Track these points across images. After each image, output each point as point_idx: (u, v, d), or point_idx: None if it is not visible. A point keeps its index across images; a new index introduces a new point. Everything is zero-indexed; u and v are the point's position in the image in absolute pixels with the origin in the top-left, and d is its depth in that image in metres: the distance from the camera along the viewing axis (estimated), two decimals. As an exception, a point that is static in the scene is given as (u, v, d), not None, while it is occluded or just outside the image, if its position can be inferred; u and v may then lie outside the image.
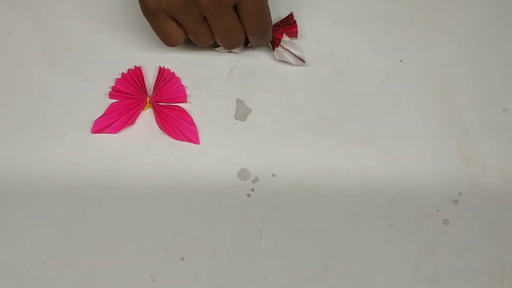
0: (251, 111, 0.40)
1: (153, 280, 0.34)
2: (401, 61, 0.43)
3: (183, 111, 0.39)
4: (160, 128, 0.39)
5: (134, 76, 0.40)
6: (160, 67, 0.41)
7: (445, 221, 0.37)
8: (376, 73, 0.42)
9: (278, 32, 0.42)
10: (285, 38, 0.42)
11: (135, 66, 0.41)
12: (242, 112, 0.40)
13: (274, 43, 0.42)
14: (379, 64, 0.43)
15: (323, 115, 0.40)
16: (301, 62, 0.42)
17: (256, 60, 0.42)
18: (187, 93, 0.40)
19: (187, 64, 0.41)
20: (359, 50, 0.43)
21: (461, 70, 0.43)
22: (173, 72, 0.41)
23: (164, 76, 0.40)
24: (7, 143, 0.38)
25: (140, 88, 0.40)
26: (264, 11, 0.37)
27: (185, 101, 0.40)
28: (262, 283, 0.34)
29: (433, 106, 0.41)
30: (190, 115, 0.39)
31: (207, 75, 0.42)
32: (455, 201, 0.37)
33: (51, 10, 0.44)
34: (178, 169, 0.37)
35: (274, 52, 0.42)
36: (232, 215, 0.36)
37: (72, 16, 0.44)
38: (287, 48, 0.42)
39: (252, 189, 0.37)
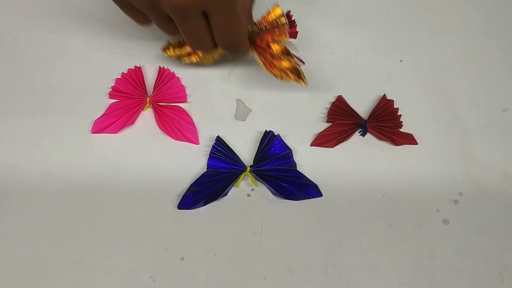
0: (251, 111, 0.40)
1: (153, 280, 0.34)
2: (401, 61, 0.43)
3: (183, 111, 0.39)
4: (160, 128, 0.39)
5: (134, 76, 0.40)
6: (160, 67, 0.41)
7: (445, 221, 0.37)
8: (376, 73, 0.42)
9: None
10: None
11: (135, 66, 0.41)
12: (242, 112, 0.40)
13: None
14: (379, 64, 0.43)
15: (323, 115, 0.40)
16: (300, 63, 0.42)
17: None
18: (187, 93, 0.40)
19: (187, 64, 0.41)
20: (359, 50, 0.43)
21: (461, 70, 0.43)
22: (173, 72, 0.41)
23: (164, 76, 0.40)
24: (7, 143, 0.38)
25: (140, 88, 0.40)
26: (234, 28, 0.33)
27: (185, 101, 0.40)
28: (262, 283, 0.34)
29: (433, 106, 0.41)
30: (190, 115, 0.39)
31: (207, 75, 0.42)
32: (455, 201, 0.37)
33: (50, 10, 0.44)
34: (178, 169, 0.37)
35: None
36: (232, 215, 0.36)
37: (72, 16, 0.44)
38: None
39: (252, 189, 0.37)
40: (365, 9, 0.45)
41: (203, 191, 0.36)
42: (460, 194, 0.38)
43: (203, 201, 0.36)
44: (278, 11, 0.36)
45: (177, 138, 0.38)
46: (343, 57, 0.43)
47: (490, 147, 0.39)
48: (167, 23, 0.33)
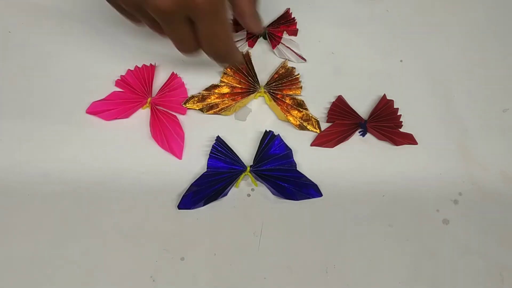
0: (251, 111, 0.40)
1: (153, 280, 0.34)
2: (401, 61, 0.43)
3: (177, 123, 0.38)
4: (150, 131, 0.38)
5: (146, 72, 0.40)
6: (173, 72, 0.40)
7: (445, 221, 0.37)
8: (376, 73, 0.42)
9: (278, 30, 0.43)
10: (285, 36, 0.43)
11: (150, 64, 0.40)
12: (242, 112, 0.40)
13: (275, 41, 0.42)
14: (379, 64, 0.43)
15: (323, 115, 0.40)
16: (301, 60, 0.42)
17: (257, 59, 0.42)
18: (187, 91, 0.40)
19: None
20: (359, 50, 0.43)
21: (461, 70, 0.43)
22: (184, 82, 0.40)
23: (174, 83, 0.40)
24: (7, 143, 0.38)
25: (146, 86, 0.40)
26: (218, 36, 0.32)
27: (183, 114, 0.40)
28: (262, 283, 0.34)
29: (433, 106, 0.41)
30: (189, 117, 0.39)
31: (207, 75, 0.42)
32: (455, 201, 0.37)
33: (51, 10, 0.44)
34: (178, 169, 0.37)
35: (275, 50, 0.42)
36: (232, 215, 0.36)
37: (72, 16, 0.44)
38: (288, 46, 0.42)
39: (252, 189, 0.37)
40: (365, 9, 0.45)
41: (203, 191, 0.36)
42: (460, 194, 0.38)
43: (203, 201, 0.36)
44: (286, 64, 0.41)
45: (162, 146, 0.38)
46: (343, 57, 0.43)
47: (490, 147, 0.39)
48: (156, 25, 0.33)
